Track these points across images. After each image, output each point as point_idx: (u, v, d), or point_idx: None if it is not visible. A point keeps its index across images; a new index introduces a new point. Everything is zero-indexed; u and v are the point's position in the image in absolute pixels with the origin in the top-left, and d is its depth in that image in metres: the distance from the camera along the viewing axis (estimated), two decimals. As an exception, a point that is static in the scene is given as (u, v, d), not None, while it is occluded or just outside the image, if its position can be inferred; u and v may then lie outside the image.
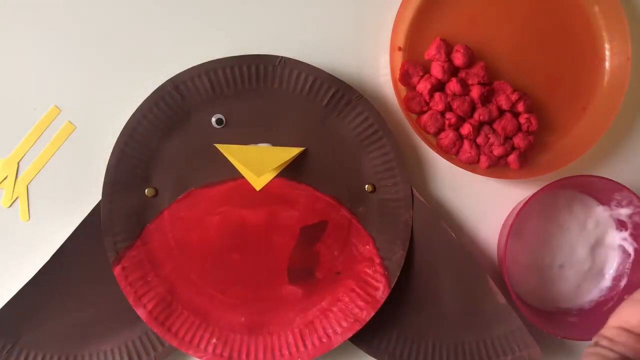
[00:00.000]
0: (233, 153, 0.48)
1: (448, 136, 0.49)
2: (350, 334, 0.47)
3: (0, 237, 0.48)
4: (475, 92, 0.48)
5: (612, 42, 0.51)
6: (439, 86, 0.49)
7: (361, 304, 0.48)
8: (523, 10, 0.50)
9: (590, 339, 0.48)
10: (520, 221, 0.50)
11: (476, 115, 0.49)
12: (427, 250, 0.49)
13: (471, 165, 0.49)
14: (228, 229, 0.48)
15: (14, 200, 0.48)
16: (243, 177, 0.48)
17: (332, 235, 0.49)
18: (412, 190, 0.49)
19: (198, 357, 0.47)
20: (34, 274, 0.46)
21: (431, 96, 0.49)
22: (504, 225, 0.50)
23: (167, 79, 0.47)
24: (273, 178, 0.48)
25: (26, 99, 0.48)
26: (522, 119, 0.49)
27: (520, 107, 0.49)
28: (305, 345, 0.47)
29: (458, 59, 0.48)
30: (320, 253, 0.49)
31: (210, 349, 0.47)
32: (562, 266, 0.50)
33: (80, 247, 0.47)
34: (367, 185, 0.49)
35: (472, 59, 0.49)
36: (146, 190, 0.47)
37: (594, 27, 0.51)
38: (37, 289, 0.46)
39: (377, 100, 0.50)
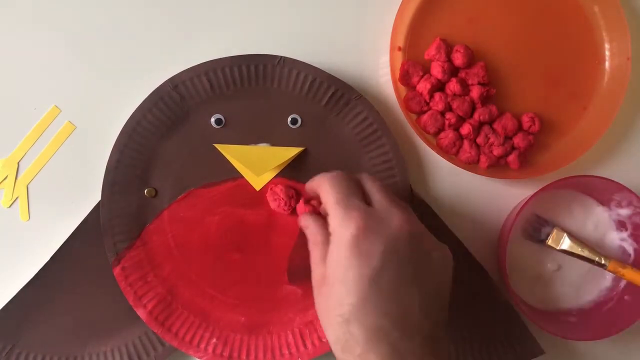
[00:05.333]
0: (232, 153, 0.48)
1: (448, 136, 0.49)
2: (350, 334, 0.47)
3: (0, 237, 0.48)
4: (475, 92, 0.48)
5: (612, 42, 0.51)
6: (439, 86, 0.49)
7: (361, 303, 0.48)
8: (523, 11, 0.50)
9: (590, 339, 0.49)
10: (520, 221, 0.50)
11: (476, 115, 0.49)
12: (427, 250, 0.49)
13: (471, 165, 0.49)
14: (228, 229, 0.48)
15: (14, 200, 0.48)
16: (243, 177, 0.48)
17: (332, 235, 0.49)
18: (412, 189, 0.49)
19: (198, 357, 0.47)
20: (33, 275, 0.46)
21: (431, 96, 0.49)
22: (504, 225, 0.50)
23: (166, 79, 0.47)
24: (273, 178, 0.48)
25: (26, 99, 0.48)
26: (526, 118, 0.49)
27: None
28: (305, 345, 0.47)
29: (458, 59, 0.48)
30: (320, 253, 0.49)
31: (210, 349, 0.47)
32: (562, 266, 0.50)
33: (80, 247, 0.47)
34: (366, 185, 0.49)
35: (472, 59, 0.49)
36: (146, 191, 0.47)
37: (594, 27, 0.51)
38: (37, 289, 0.46)
39: (377, 100, 0.50)
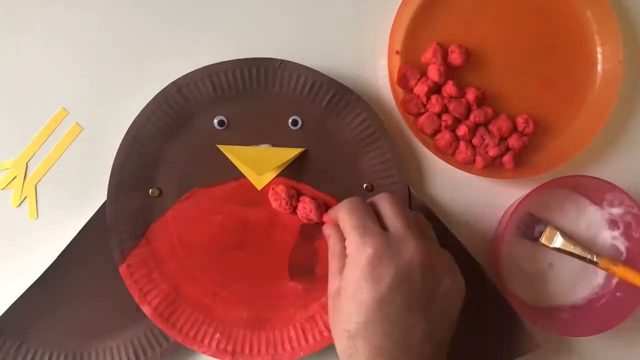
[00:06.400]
0: (235, 153, 0.48)
1: (444, 137, 0.50)
2: (349, 330, 0.48)
3: (9, 236, 0.49)
4: (470, 95, 0.49)
5: (604, 45, 0.51)
6: (436, 89, 0.50)
7: (360, 300, 0.48)
8: (518, 15, 0.51)
9: (584, 335, 0.49)
10: (515, 220, 0.50)
11: (472, 117, 0.49)
12: (425, 249, 0.49)
13: (467, 165, 0.50)
14: (230, 228, 0.49)
15: (23, 200, 0.49)
16: (245, 177, 0.49)
17: (332, 234, 0.49)
18: (409, 189, 0.50)
19: (202, 352, 0.48)
20: (41, 273, 0.47)
21: (428, 98, 0.49)
22: (499, 223, 0.51)
23: (170, 82, 0.48)
24: (274, 178, 0.49)
25: (35, 101, 0.49)
26: (520, 120, 0.50)
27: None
28: (306, 340, 0.48)
29: (456, 59, 0.49)
30: (320, 250, 0.49)
31: (213, 344, 0.48)
32: (555, 264, 0.51)
33: (86, 245, 0.47)
34: (365, 185, 0.50)
35: (468, 56, 0.49)
36: (150, 191, 0.48)
37: (586, 31, 0.51)
38: (45, 287, 0.47)
39: (375, 102, 0.50)
